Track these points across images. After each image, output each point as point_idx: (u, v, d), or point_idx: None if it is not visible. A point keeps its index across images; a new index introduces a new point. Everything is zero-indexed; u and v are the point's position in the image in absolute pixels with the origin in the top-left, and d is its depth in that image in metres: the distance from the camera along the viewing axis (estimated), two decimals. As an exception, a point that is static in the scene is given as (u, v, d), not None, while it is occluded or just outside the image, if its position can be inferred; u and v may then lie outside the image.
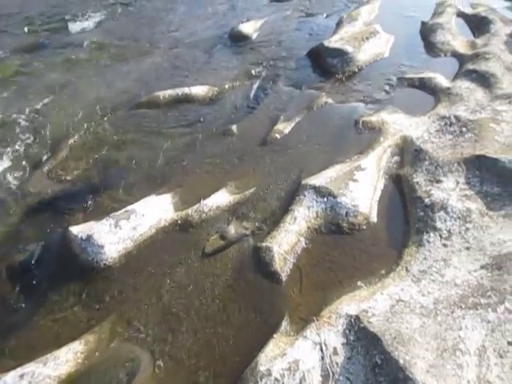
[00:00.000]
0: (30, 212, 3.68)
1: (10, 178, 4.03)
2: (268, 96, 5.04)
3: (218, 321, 2.68)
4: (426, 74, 5.08)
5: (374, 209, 3.35)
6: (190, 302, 2.80)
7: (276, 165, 3.90)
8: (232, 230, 3.27)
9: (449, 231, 3.01)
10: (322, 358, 2.29)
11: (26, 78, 5.85)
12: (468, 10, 6.84)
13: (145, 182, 3.88)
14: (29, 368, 2.42)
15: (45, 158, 4.30)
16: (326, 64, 5.55)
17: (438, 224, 3.07)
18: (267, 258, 2.96)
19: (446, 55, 5.65)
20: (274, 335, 2.52)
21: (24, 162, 4.23)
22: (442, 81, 4.92)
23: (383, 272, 2.87)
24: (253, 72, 5.59)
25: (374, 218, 3.28)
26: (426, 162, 3.60)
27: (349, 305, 2.56)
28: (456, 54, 5.59)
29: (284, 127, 4.37)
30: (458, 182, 3.36)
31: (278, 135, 4.27)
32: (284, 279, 2.88)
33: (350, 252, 3.05)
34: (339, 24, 6.71)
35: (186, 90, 5.17)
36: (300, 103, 4.79)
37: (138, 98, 5.18)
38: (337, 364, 2.26)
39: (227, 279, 2.93)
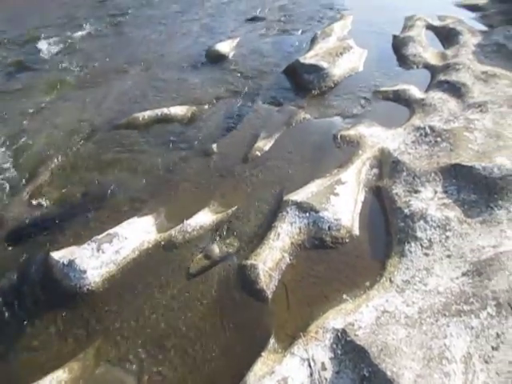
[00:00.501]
0: (10, 238, 3.62)
1: (-12, 204, 3.97)
2: (247, 114, 5.09)
3: (205, 341, 2.66)
4: (399, 87, 5.20)
5: (355, 221, 3.39)
6: (177, 324, 2.78)
7: (258, 182, 3.92)
8: (216, 249, 3.26)
9: (429, 240, 3.07)
10: (311, 373, 2.29)
11: (2, 102, 5.80)
12: (437, 23, 7.05)
13: (127, 203, 3.86)
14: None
15: (24, 182, 4.25)
16: (303, 80, 5.63)
17: (419, 233, 3.12)
18: (252, 275, 2.96)
19: (418, 67, 5.80)
20: (262, 353, 2.51)
21: (3, 188, 4.17)
22: (416, 92, 5.04)
23: (368, 284, 2.90)
24: (231, 90, 5.65)
25: (356, 231, 3.32)
26: (404, 173, 3.68)
27: (335, 319, 2.58)
28: (428, 66, 5.75)
29: (264, 144, 4.41)
30: (435, 191, 3.43)
31: (258, 152, 4.30)
32: (270, 296, 2.88)
33: (335, 266, 3.07)
34: (314, 40, 6.84)
35: (165, 110, 5.19)
36: (279, 120, 4.85)
37: (117, 120, 5.17)
38: (326, 379, 2.26)
39: (213, 299, 2.92)
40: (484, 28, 6.56)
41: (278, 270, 3.05)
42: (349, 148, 4.20)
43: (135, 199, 3.89)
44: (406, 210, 3.32)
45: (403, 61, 5.99)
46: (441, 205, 3.30)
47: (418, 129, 4.21)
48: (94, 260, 3.15)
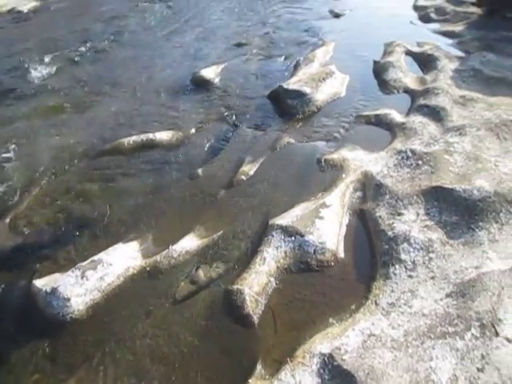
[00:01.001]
0: (-9, 266, 3.56)
1: (-32, 232, 3.90)
2: (232, 138, 5.14)
3: (191, 368, 2.63)
4: (381, 111, 5.31)
5: (340, 245, 3.41)
6: (162, 352, 2.74)
7: (243, 206, 3.94)
8: (202, 274, 3.25)
9: (413, 262, 3.10)
10: (299, 400, 2.27)
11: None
12: (415, 49, 7.25)
13: (111, 229, 3.83)
14: None
15: (6, 208, 4.20)
16: (286, 105, 5.72)
17: (403, 256, 3.16)
18: (238, 300, 2.95)
19: (398, 92, 5.94)
20: (249, 380, 2.49)
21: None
22: (397, 116, 5.15)
23: (353, 307, 2.91)
24: (216, 115, 5.70)
25: (341, 254, 3.34)
26: (387, 196, 3.73)
27: (322, 343, 2.58)
28: (408, 90, 5.89)
29: (249, 169, 4.44)
30: (418, 214, 3.49)
31: (243, 177, 4.33)
32: (256, 321, 2.86)
33: (321, 289, 3.08)
34: (297, 66, 6.97)
35: (150, 135, 5.21)
36: (263, 144, 4.90)
37: (102, 145, 5.16)
38: (313, 405, 2.25)
39: (199, 325, 2.90)
40: (461, 54, 6.77)
41: (265, 294, 3.05)
42: (332, 171, 4.26)
43: (120, 225, 3.87)
44: (390, 233, 3.36)
45: (384, 86, 6.13)
46: (423, 227, 3.35)
47: (399, 152, 4.30)
48: (78, 287, 3.11)
